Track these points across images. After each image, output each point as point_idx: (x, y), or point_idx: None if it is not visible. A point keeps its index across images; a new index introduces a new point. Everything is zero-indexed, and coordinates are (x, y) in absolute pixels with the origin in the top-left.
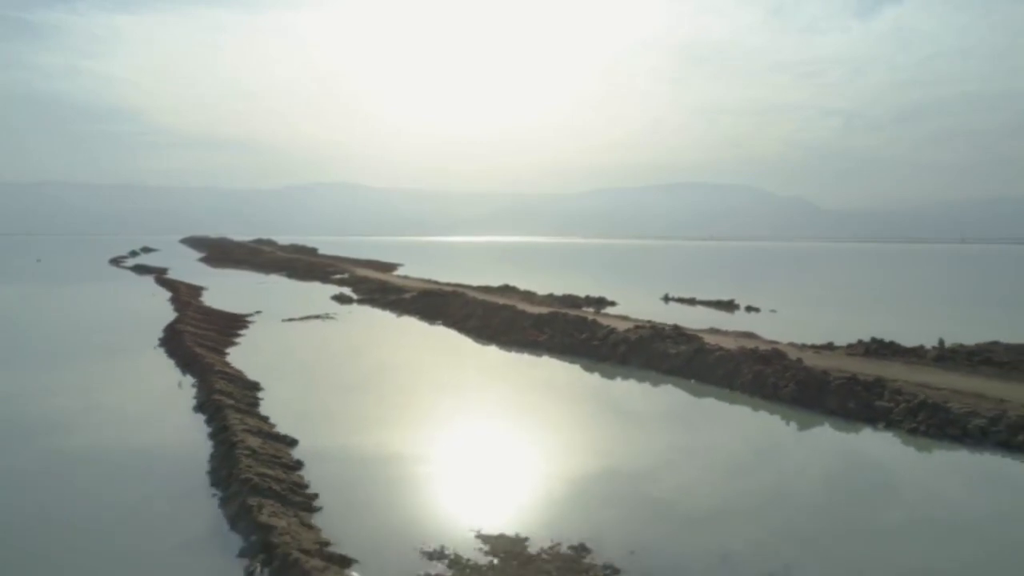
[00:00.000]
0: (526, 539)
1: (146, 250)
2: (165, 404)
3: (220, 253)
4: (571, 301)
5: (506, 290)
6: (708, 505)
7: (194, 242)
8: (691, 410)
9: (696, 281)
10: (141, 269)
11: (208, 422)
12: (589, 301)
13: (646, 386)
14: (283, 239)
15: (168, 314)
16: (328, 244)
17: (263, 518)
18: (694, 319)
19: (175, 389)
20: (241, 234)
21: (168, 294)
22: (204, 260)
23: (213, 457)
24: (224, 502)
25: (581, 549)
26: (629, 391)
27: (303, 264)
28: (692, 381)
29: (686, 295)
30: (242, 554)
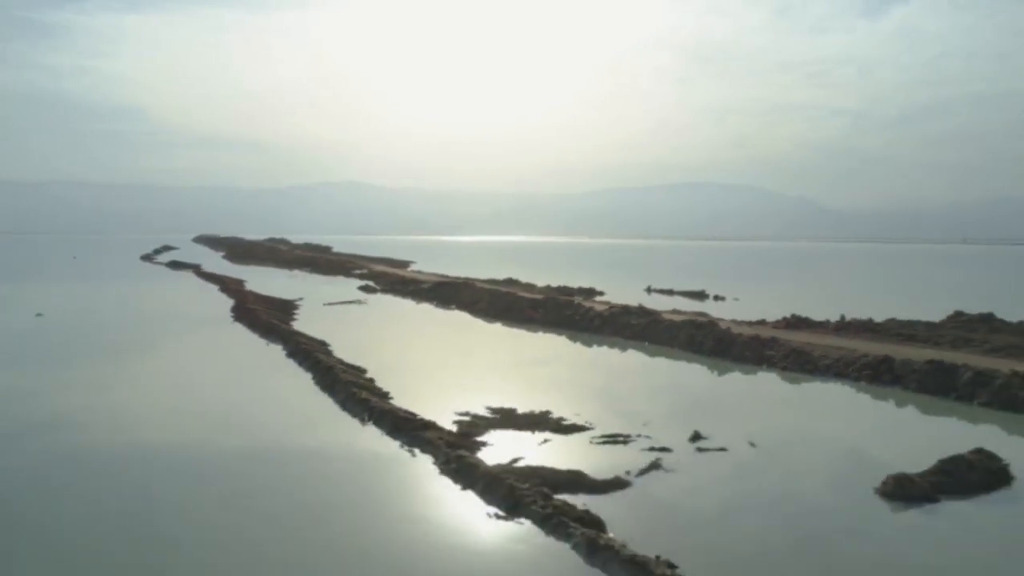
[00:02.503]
0: (514, 408)
1: (167, 248)
2: (263, 356)
3: (241, 251)
4: (565, 291)
5: (510, 283)
6: (631, 396)
7: (209, 241)
8: (638, 357)
9: (684, 277)
10: (176, 265)
11: (301, 363)
12: (581, 291)
13: (612, 346)
14: (293, 238)
15: (222, 300)
16: (337, 243)
17: (364, 396)
18: (666, 305)
19: (265, 347)
20: (249, 233)
21: (212, 286)
22: (227, 257)
23: (314, 378)
24: (334, 395)
25: (546, 412)
26: (597, 347)
27: (324, 260)
28: (645, 343)
29: (667, 287)
30: (353, 416)
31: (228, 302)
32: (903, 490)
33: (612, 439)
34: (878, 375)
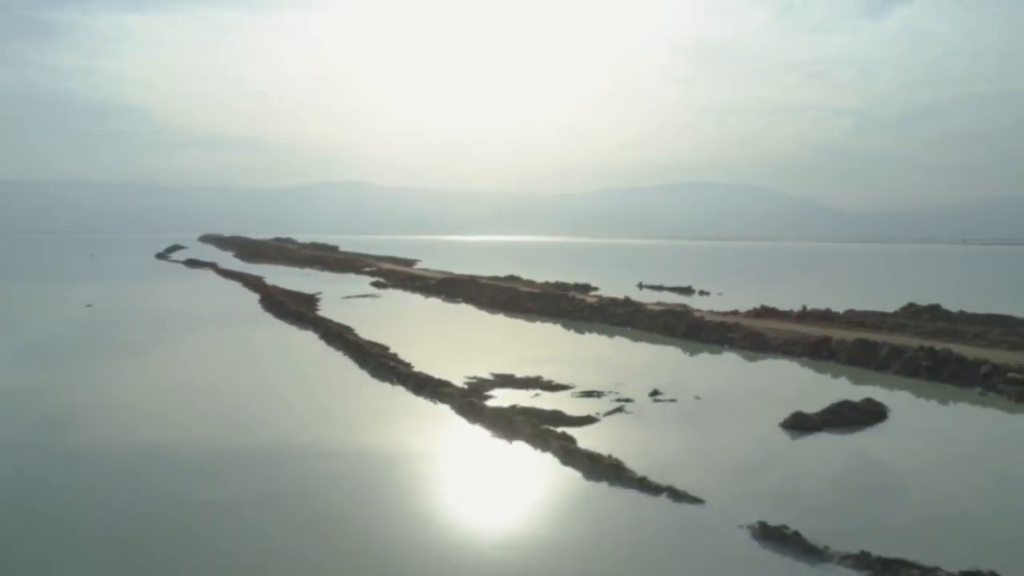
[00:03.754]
0: (512, 374)
1: (177, 247)
2: (300, 340)
3: (252, 250)
4: (561, 287)
5: (511, 279)
6: (610, 367)
7: (215, 240)
8: (622, 340)
9: (678, 275)
10: (193, 263)
11: (331, 343)
12: (576, 287)
13: (600, 332)
14: (298, 238)
15: (247, 295)
16: (341, 242)
17: (392, 364)
18: (654, 299)
19: (298, 332)
20: (251, 232)
21: (233, 283)
22: (238, 256)
23: (347, 353)
24: (365, 366)
25: (539, 377)
26: (587, 333)
27: (334, 259)
28: (629, 328)
29: (658, 284)
30: (382, 380)
31: (253, 296)
32: (798, 422)
33: (589, 394)
34: (817, 352)
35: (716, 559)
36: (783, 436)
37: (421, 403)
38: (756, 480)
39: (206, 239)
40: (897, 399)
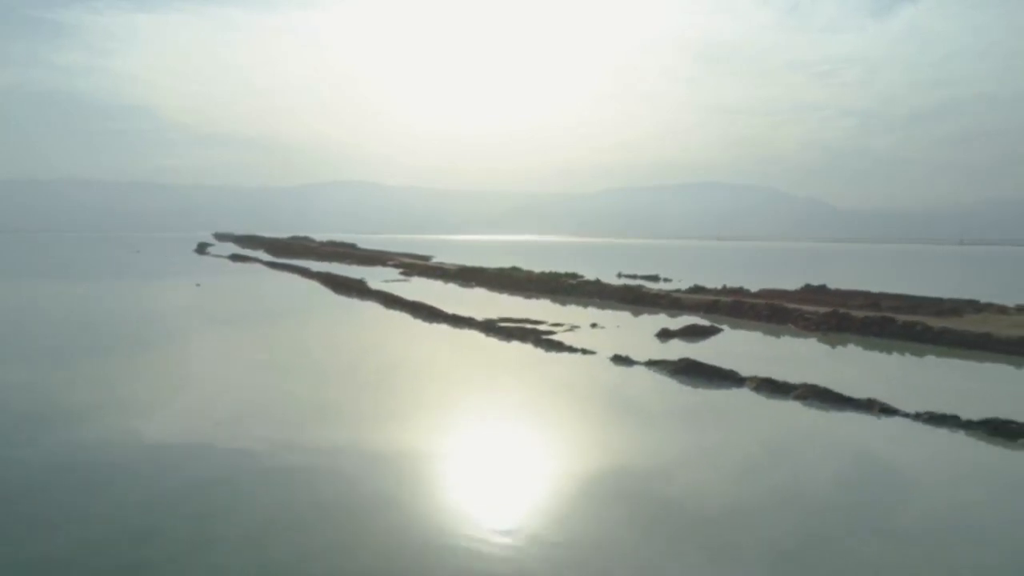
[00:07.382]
0: (511, 316)
1: (207, 244)
2: (367, 306)
3: (280, 247)
4: (553, 275)
5: (514, 269)
6: (574, 316)
7: (234, 239)
8: (591, 308)
9: (660, 268)
10: (237, 258)
11: (391, 306)
12: (565, 275)
13: (576, 303)
14: (314, 237)
15: (306, 281)
16: (352, 241)
17: (436, 311)
18: (623, 283)
19: (360, 302)
20: (259, 231)
21: (285, 273)
22: (268, 252)
23: (404, 310)
24: (418, 316)
25: (528, 318)
26: (569, 304)
27: (359, 254)
28: (596, 299)
29: (633, 273)
30: (431, 322)
31: (312, 281)
32: (663, 333)
33: (556, 324)
34: (710, 309)
35: (598, 371)
36: (652, 338)
37: (457, 331)
38: (624, 346)
39: (222, 237)
40: (733, 328)
